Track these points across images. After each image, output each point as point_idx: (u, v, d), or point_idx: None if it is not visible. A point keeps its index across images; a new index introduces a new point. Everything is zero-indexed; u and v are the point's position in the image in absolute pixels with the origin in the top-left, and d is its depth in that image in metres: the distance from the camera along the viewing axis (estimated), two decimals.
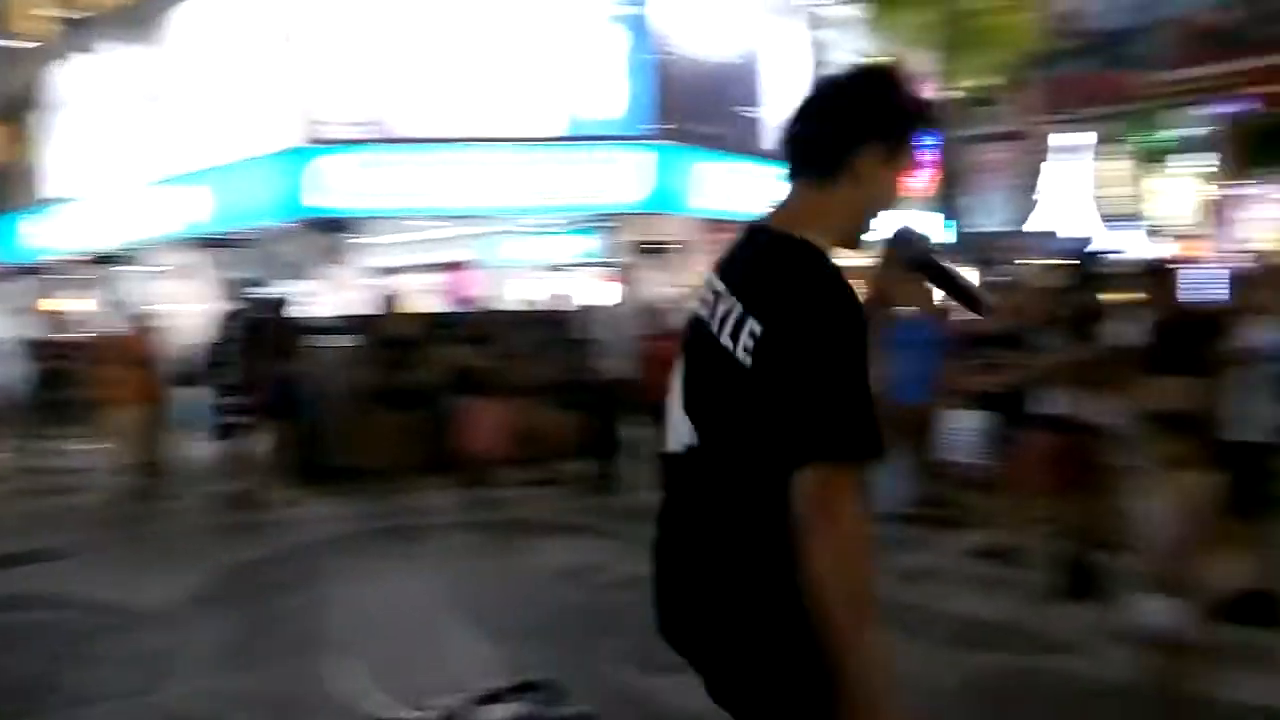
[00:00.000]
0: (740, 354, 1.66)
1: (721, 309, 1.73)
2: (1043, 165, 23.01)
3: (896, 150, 1.76)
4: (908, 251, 1.89)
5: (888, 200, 1.79)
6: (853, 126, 1.75)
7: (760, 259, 1.76)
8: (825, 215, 1.76)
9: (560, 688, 2.73)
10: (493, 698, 2.68)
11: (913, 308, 1.96)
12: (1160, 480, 3.66)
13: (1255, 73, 17.09)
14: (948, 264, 1.91)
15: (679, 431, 1.82)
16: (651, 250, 13.67)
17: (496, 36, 13.08)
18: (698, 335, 1.79)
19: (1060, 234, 22.31)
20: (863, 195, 1.77)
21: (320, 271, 13.29)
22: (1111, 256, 11.76)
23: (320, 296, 12.57)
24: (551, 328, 9.57)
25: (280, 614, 5.36)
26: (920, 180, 19.47)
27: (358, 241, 13.52)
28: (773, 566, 1.65)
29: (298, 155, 12.64)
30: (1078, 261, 9.64)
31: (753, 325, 1.65)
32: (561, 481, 8.46)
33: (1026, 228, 21.66)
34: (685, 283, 13.46)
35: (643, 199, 13.22)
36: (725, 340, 1.69)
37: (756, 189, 15.06)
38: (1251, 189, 29.78)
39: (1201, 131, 32.37)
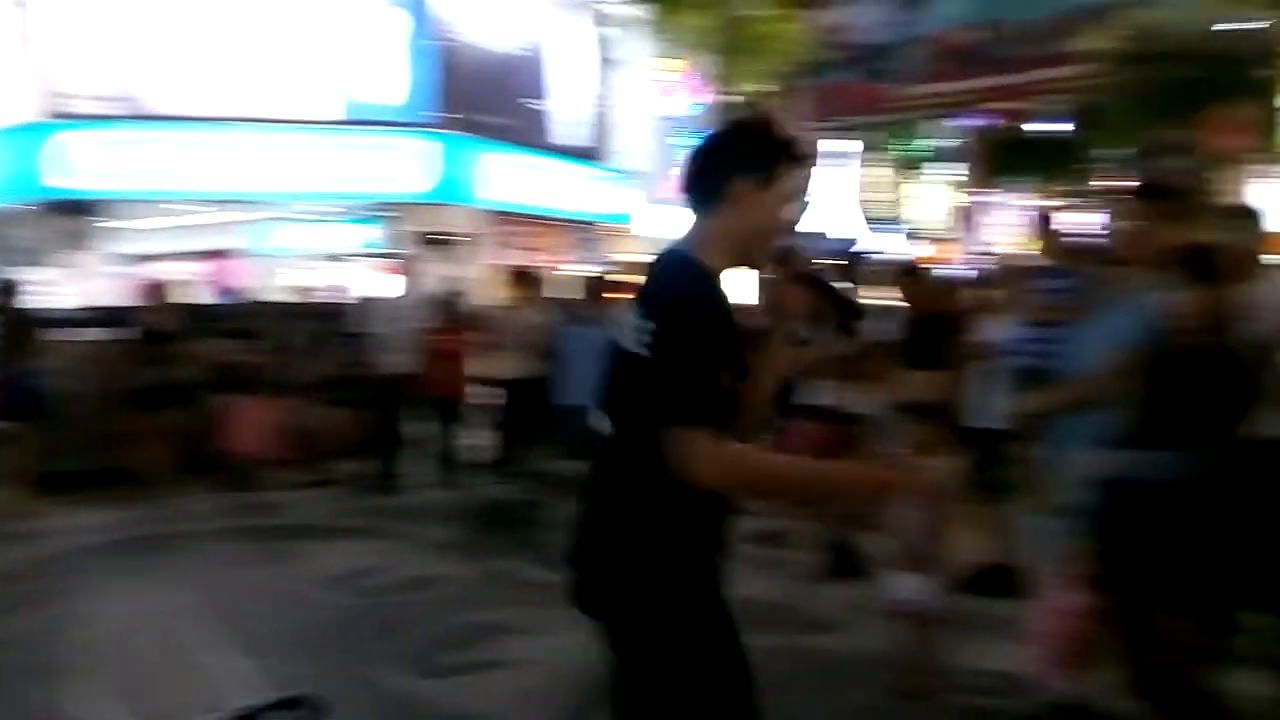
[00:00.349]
0: (640, 350, 2.01)
1: (629, 321, 2.07)
2: (813, 170, 24.38)
3: (768, 179, 2.08)
4: (793, 265, 2.24)
5: (770, 223, 2.12)
6: (725, 162, 2.11)
7: (657, 274, 2.13)
8: (714, 238, 2.11)
9: (322, 702, 2.59)
10: (249, 717, 2.51)
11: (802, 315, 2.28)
12: (909, 465, 3.92)
13: (998, 90, 18.74)
14: (826, 277, 2.26)
15: (601, 428, 2.15)
16: (436, 241, 13.35)
17: (267, 12, 12.35)
18: (613, 350, 2.14)
19: (828, 235, 23.67)
20: (743, 219, 2.10)
21: (62, 258, 12.09)
22: (874, 257, 12.58)
23: (63, 285, 11.43)
24: (327, 320, 9.16)
25: (15, 636, 4.82)
26: None
27: (106, 226, 12.41)
28: (657, 519, 2.03)
29: (36, 130, 11.48)
30: (844, 261, 10.21)
31: (648, 325, 2.01)
32: (337, 482, 8.11)
33: (799, 229, 22.85)
34: (472, 275, 13.26)
35: (426, 189, 12.89)
36: (629, 344, 2.04)
37: (545, 182, 15.07)
38: (995, 197, 32.74)
39: (953, 142, 35.23)
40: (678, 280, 2.06)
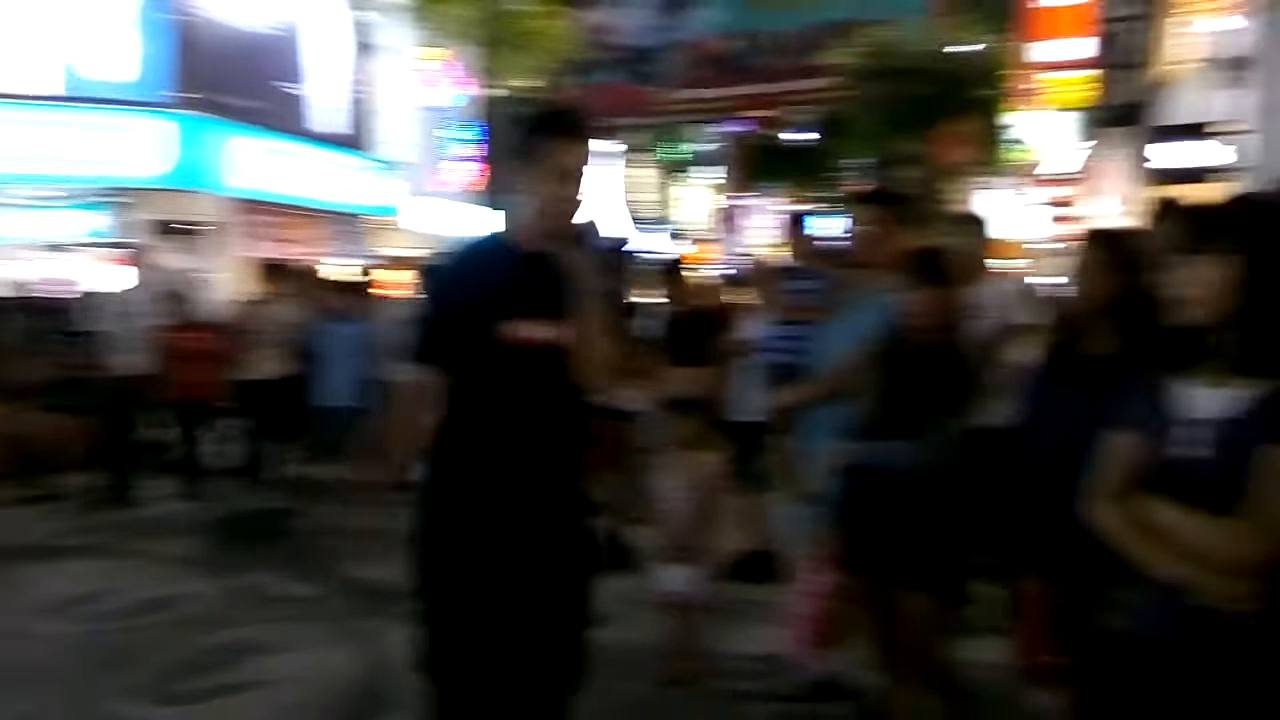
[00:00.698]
0: None
1: None
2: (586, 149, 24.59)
3: (540, 161, 2.32)
4: (587, 245, 2.42)
5: (557, 200, 2.34)
6: (514, 151, 2.42)
7: None
8: (515, 215, 2.46)
9: None
10: None
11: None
12: (675, 459, 4.01)
13: (753, 98, 19.68)
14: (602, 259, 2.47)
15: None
16: (175, 230, 12.31)
17: None
18: None
19: (598, 234, 24.00)
20: (536, 199, 2.37)
21: None
22: (641, 256, 12.83)
23: None
24: (48, 317, 8.25)
25: None
26: (469, 175, 19.79)
27: None
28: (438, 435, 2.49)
29: None
30: (612, 260, 10.33)
31: None
32: (61, 497, 7.31)
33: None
34: (217, 268, 12.35)
35: (162, 173, 11.84)
36: None
37: (300, 170, 14.28)
38: (752, 200, 34.40)
39: (713, 147, 36.68)
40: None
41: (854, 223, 3.42)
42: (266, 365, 8.05)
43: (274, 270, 8.71)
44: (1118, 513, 1.86)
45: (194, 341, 7.64)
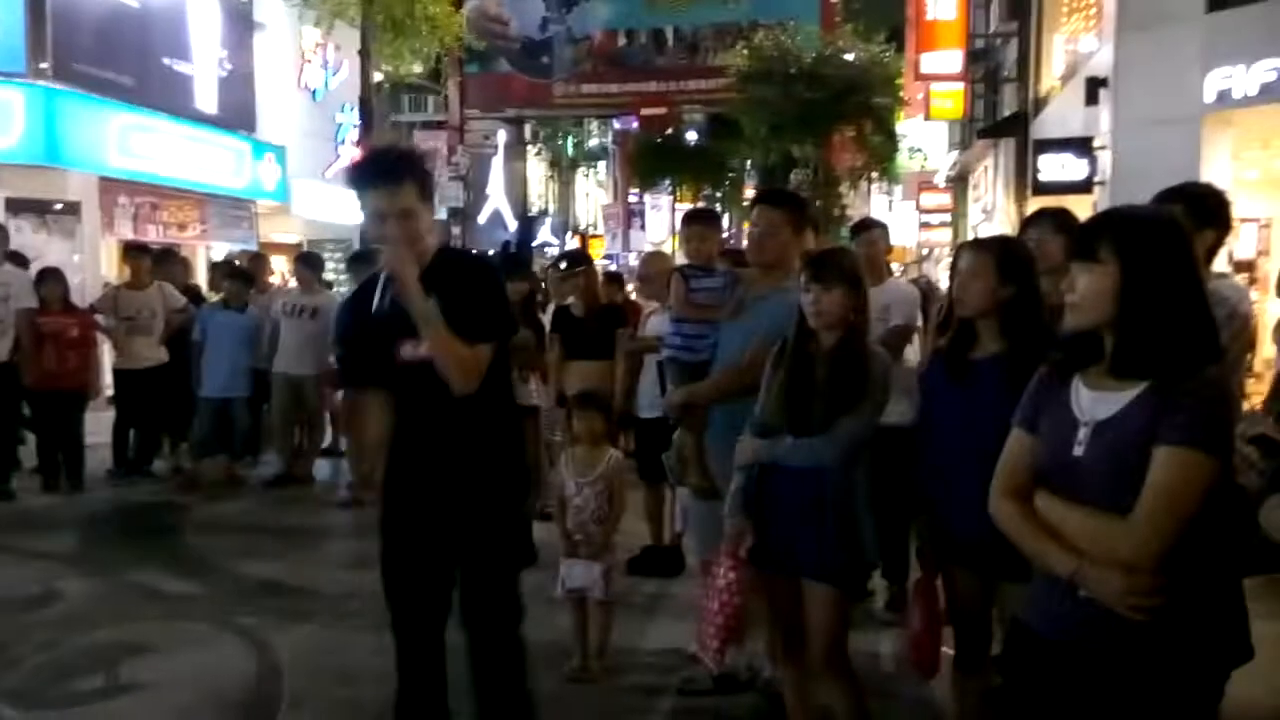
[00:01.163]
0: None
1: None
2: (475, 158, 24.21)
3: (362, 208, 2.80)
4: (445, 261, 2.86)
5: (379, 239, 2.84)
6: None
7: None
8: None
9: None
10: None
11: None
12: (578, 454, 4.02)
13: (646, 95, 19.77)
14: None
15: None
16: (33, 209, 11.55)
17: None
18: None
19: (492, 226, 23.72)
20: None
21: None
22: (538, 250, 12.77)
23: None
24: None
25: None
26: (352, 160, 19.31)
27: None
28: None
29: None
30: (512, 253, 10.24)
31: None
32: None
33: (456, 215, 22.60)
34: (86, 251, 11.69)
35: (12, 147, 11.04)
36: None
37: (178, 150, 13.62)
38: (646, 198, 34.54)
39: (603, 142, 36.69)
40: None
41: (753, 223, 3.48)
42: (143, 354, 7.70)
43: (149, 254, 8.31)
44: (1015, 508, 1.96)
45: (64, 327, 7.23)
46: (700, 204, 24.77)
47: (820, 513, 2.79)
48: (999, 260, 2.71)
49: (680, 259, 4.45)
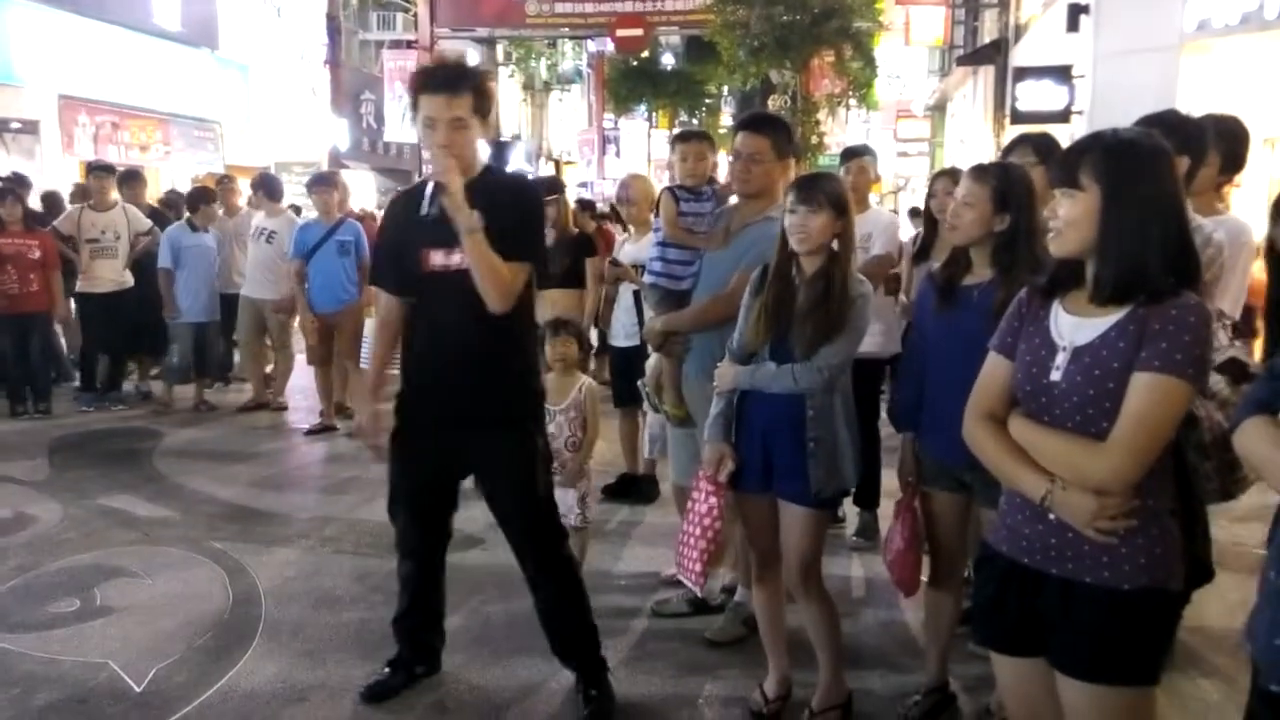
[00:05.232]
0: None
1: None
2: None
3: (417, 115, 2.78)
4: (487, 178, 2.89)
5: (428, 147, 2.75)
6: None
7: None
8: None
9: None
10: None
11: None
12: (552, 382, 3.99)
13: (620, 16, 19.27)
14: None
15: None
16: None
17: None
18: None
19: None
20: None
21: None
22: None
23: None
24: None
25: None
26: (321, 80, 18.81)
27: None
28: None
29: None
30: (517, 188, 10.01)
31: None
32: None
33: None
34: (44, 170, 11.38)
35: None
36: None
37: (138, 68, 13.19)
38: (623, 121, 33.90)
39: (578, 65, 35.86)
40: None
41: (735, 150, 3.39)
42: (107, 277, 7.54)
43: (105, 171, 8.06)
44: (989, 431, 1.96)
45: (23, 248, 7.06)
46: (679, 129, 24.42)
47: (799, 435, 2.79)
48: (997, 190, 2.67)
49: (665, 182, 4.34)
